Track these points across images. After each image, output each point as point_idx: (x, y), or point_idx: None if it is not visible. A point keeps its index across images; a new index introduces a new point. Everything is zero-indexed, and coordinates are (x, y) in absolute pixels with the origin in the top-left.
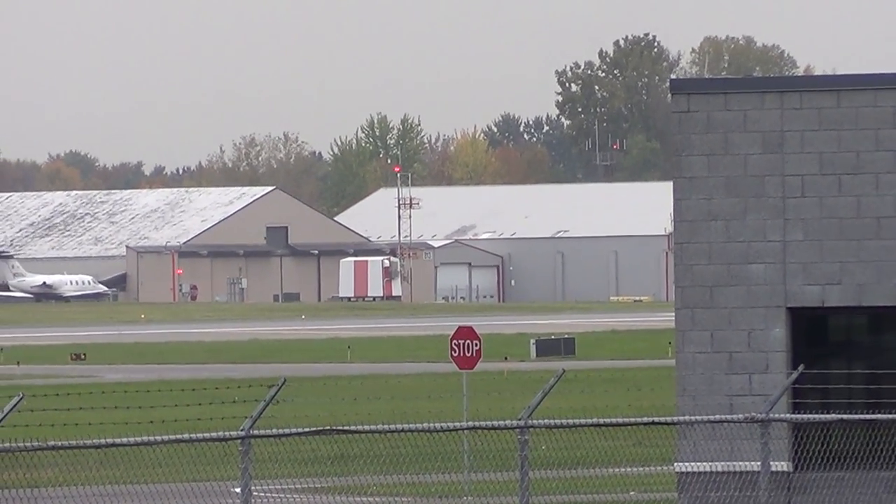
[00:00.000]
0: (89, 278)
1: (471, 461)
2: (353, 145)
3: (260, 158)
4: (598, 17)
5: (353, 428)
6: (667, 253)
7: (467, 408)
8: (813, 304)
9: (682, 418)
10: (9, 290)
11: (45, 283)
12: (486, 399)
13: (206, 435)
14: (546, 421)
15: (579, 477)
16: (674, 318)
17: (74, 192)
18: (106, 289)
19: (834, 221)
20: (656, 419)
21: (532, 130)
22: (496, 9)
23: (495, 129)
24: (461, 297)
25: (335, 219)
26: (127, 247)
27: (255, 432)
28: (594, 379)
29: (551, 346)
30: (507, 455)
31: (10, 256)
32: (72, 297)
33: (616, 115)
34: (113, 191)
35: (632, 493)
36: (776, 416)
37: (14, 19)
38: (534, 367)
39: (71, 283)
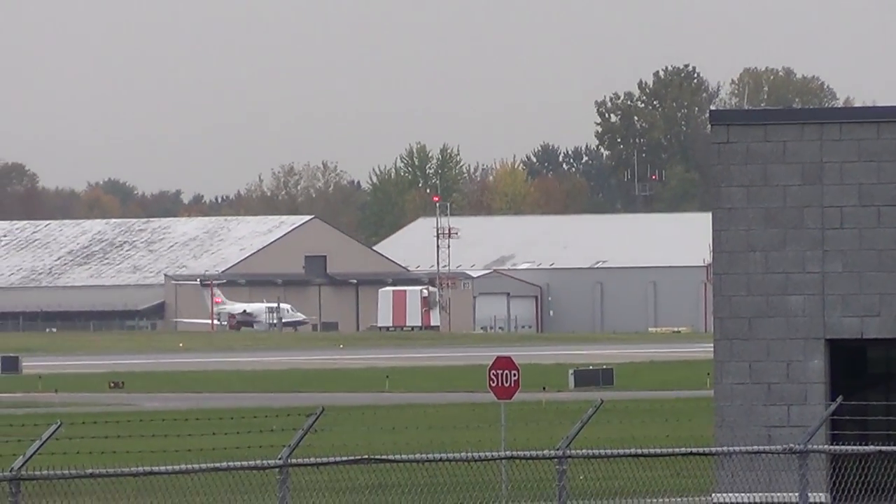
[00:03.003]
0: (288, 306)
1: (509, 491)
2: (392, 174)
3: (299, 187)
4: (637, 48)
5: (391, 457)
6: (705, 284)
7: (505, 437)
8: (852, 335)
9: (720, 449)
10: (209, 317)
11: (244, 311)
12: (525, 429)
13: (245, 463)
14: (584, 451)
15: None
16: (712, 349)
17: (113, 221)
18: (304, 317)
19: (873, 253)
20: (694, 450)
21: (571, 160)
22: (536, 39)
23: (534, 159)
24: (500, 327)
25: (374, 248)
26: (165, 275)
27: (294, 461)
28: (632, 409)
29: (590, 377)
30: (545, 485)
31: (210, 285)
32: (271, 324)
33: (655, 145)
34: (151, 219)
35: None
36: (814, 447)
37: (54, 48)
38: (572, 398)
39: (270, 310)
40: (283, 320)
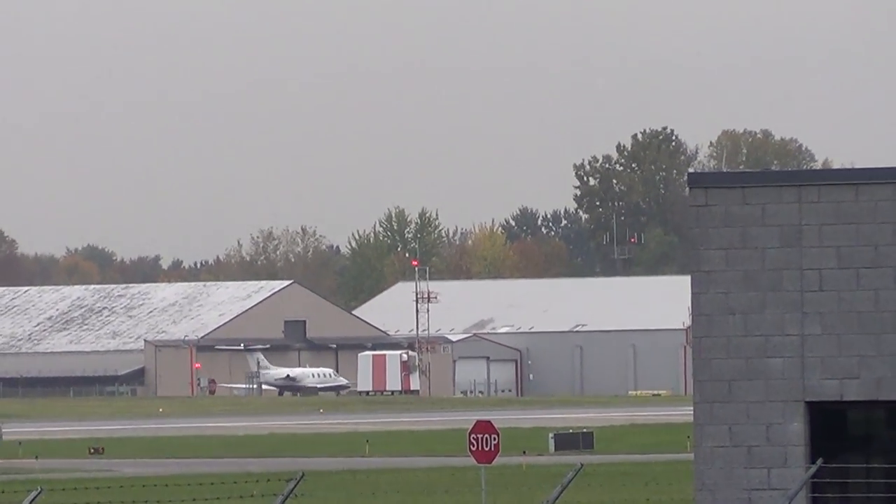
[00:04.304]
0: (330, 371)
1: None
2: (371, 239)
3: (278, 252)
4: (615, 112)
5: None
6: (685, 347)
7: (485, 502)
8: (831, 398)
9: None
10: (253, 382)
11: (288, 375)
12: (505, 493)
13: None
14: None
15: None
16: (692, 412)
17: (92, 286)
18: (346, 381)
19: (852, 315)
20: None
21: (550, 224)
22: (513, 103)
23: (513, 223)
24: (479, 391)
25: (353, 312)
26: (145, 340)
27: None
28: (613, 473)
29: (570, 440)
30: None
31: (256, 350)
32: (314, 388)
33: (634, 208)
34: (131, 285)
35: None
36: None
37: (31, 111)
38: (552, 461)
39: (313, 375)
40: (326, 385)
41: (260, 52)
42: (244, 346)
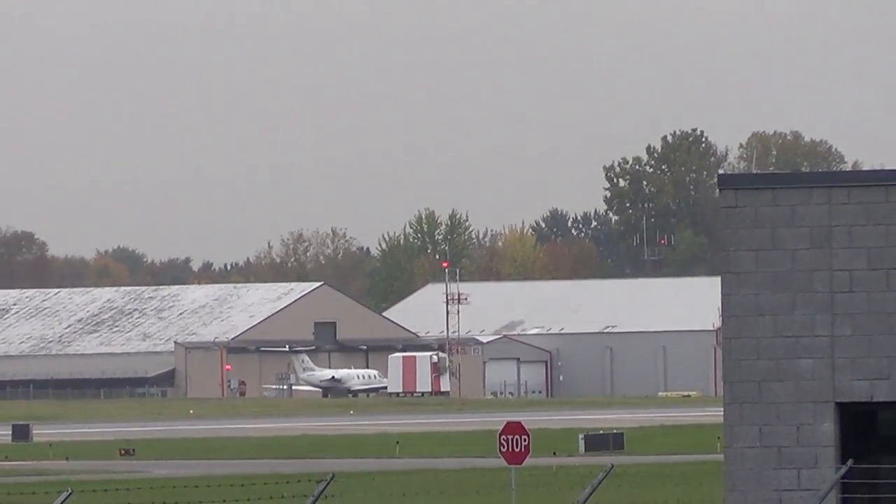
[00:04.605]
0: (375, 372)
1: None
2: (402, 241)
3: (308, 254)
4: (646, 113)
5: None
6: (715, 348)
7: (515, 503)
8: (861, 398)
9: None
10: (298, 383)
11: (333, 377)
12: (535, 494)
13: None
14: None
15: None
16: (722, 413)
17: (123, 288)
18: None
19: (882, 316)
20: None
21: (580, 226)
22: (544, 105)
23: (543, 225)
24: (510, 393)
25: (383, 314)
26: (175, 342)
27: None
28: (643, 474)
29: (600, 441)
30: None
31: (300, 352)
32: (358, 390)
33: (664, 210)
34: (161, 287)
35: None
36: None
37: (62, 115)
38: (583, 462)
39: (358, 377)
40: (371, 386)
41: (290, 52)
42: (289, 347)
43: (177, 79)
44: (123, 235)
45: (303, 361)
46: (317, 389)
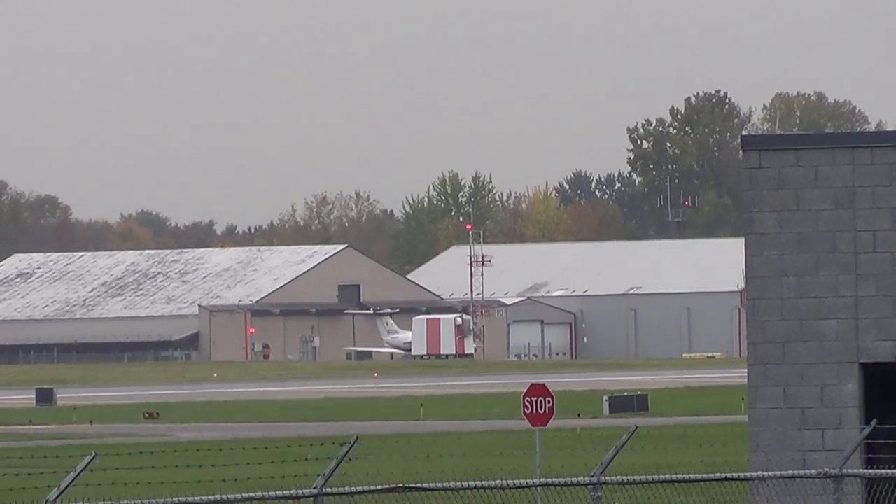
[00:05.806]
0: None
1: None
2: (425, 203)
3: (332, 217)
4: (669, 75)
5: (426, 485)
6: (739, 309)
7: (540, 465)
8: (885, 359)
9: (754, 474)
10: (383, 346)
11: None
12: (559, 456)
13: (279, 493)
14: (619, 477)
15: None
16: (746, 375)
17: (146, 252)
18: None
19: None
20: (729, 475)
21: (604, 187)
22: (567, 67)
23: (567, 186)
24: (534, 355)
25: (407, 277)
26: (199, 306)
27: (328, 490)
28: (667, 435)
29: (624, 403)
30: None
31: (385, 314)
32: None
33: (687, 171)
34: (185, 250)
35: None
36: (849, 471)
37: (86, 81)
38: (607, 424)
39: None
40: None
41: (312, 19)
42: (374, 310)
43: (202, 41)
44: (147, 199)
45: (387, 324)
46: (399, 352)
